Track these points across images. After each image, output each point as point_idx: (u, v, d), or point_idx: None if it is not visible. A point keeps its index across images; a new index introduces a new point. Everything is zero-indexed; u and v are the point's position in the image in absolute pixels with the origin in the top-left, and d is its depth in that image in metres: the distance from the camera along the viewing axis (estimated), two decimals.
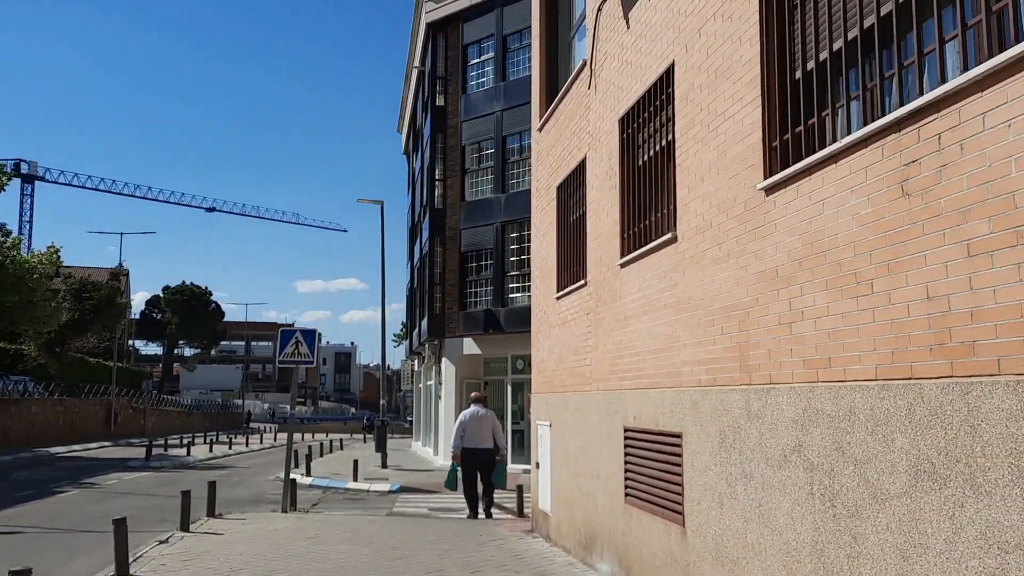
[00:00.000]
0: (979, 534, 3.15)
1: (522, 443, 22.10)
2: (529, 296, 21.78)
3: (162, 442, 31.68)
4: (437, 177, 25.60)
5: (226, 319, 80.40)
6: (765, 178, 4.88)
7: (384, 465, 22.29)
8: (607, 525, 7.67)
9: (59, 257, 28.87)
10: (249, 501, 15.44)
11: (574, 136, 9.37)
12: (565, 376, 9.47)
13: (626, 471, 7.24)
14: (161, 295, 74.74)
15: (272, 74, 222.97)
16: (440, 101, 25.95)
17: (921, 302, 3.52)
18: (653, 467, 6.60)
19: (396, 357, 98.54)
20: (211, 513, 11.63)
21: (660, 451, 6.47)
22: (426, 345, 27.07)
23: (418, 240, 30.62)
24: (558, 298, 9.88)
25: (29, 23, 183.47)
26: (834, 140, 4.28)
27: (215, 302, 77.27)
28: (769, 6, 4.93)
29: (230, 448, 32.11)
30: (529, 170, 22.56)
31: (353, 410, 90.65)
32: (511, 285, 22.65)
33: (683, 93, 6.15)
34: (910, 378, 3.57)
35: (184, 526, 10.23)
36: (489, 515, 12.48)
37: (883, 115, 3.88)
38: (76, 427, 35.42)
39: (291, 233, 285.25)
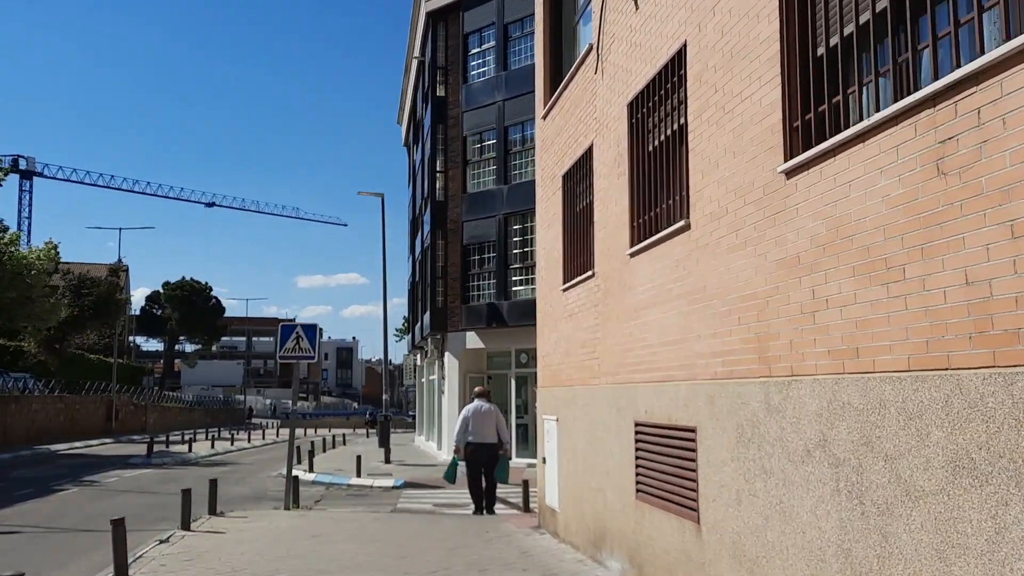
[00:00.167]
0: None
1: (526, 437, 21.93)
2: (533, 289, 21.59)
3: (163, 439, 31.49)
4: (438, 169, 25.35)
5: (227, 315, 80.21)
6: (786, 160, 4.66)
7: (387, 460, 22.12)
8: (617, 522, 7.48)
9: (57, 253, 28.68)
10: (251, 498, 15.27)
11: (580, 123, 9.15)
12: (572, 370, 9.27)
13: (637, 467, 7.04)
14: (161, 291, 74.55)
15: (271, 68, 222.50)
16: (441, 91, 25.68)
17: (959, 288, 3.31)
18: (666, 463, 6.40)
19: (398, 352, 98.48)
20: (213, 511, 11.46)
21: (673, 446, 6.27)
22: (428, 339, 26.88)
23: (419, 233, 30.39)
24: (564, 290, 9.67)
25: (28, 19, 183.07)
26: (861, 118, 4.06)
27: (215, 297, 77.09)
28: None
29: (232, 444, 31.95)
30: (532, 161, 22.34)
31: (355, 405, 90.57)
32: (514, 278, 22.43)
33: (696, 74, 5.93)
34: (947, 369, 3.36)
35: (185, 525, 10.05)
36: (491, 511, 12.33)
37: (915, 90, 3.66)
38: (77, 424, 35.29)
39: (291, 228, 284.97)
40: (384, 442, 23.05)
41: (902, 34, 3.86)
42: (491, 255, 23.17)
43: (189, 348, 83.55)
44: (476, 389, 13.07)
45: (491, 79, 23.97)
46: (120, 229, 58.90)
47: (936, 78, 3.53)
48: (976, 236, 3.23)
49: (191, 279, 75.38)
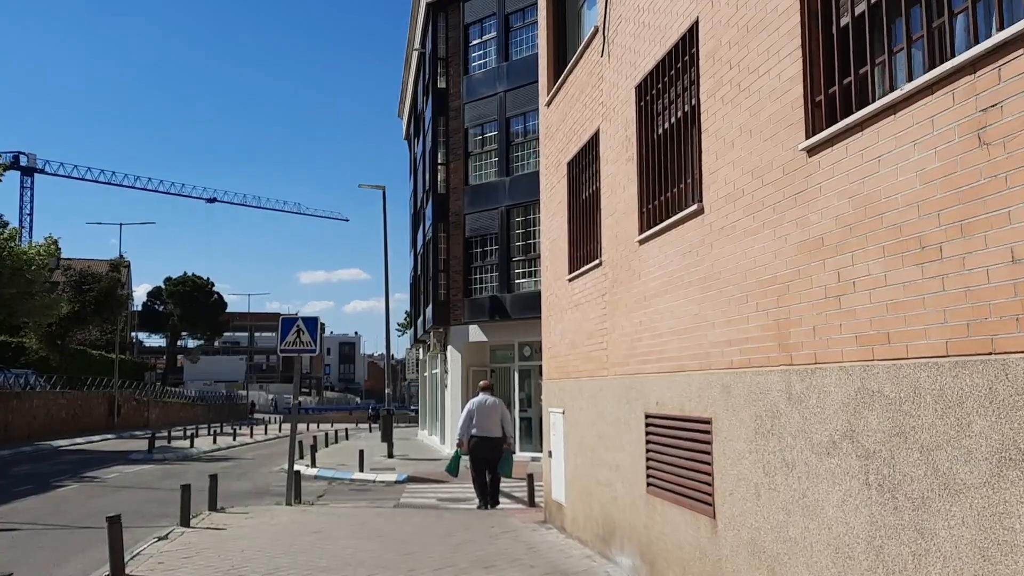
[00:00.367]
0: None
1: (530, 431, 21.74)
2: (536, 281, 21.38)
3: (165, 434, 31.33)
4: (439, 161, 25.09)
5: (229, 310, 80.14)
6: (807, 137, 4.43)
7: (390, 455, 21.94)
8: (627, 517, 7.27)
9: (58, 248, 28.47)
10: (253, 494, 15.09)
11: (586, 108, 8.91)
12: (579, 361, 9.05)
13: (648, 460, 6.82)
14: (163, 286, 74.47)
15: (271, 63, 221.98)
16: (441, 83, 25.40)
17: (1004, 266, 3.08)
18: (678, 455, 6.18)
19: (400, 346, 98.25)
20: (213, 507, 11.27)
21: (686, 438, 6.05)
22: (431, 333, 26.67)
23: (421, 227, 30.16)
24: (570, 279, 9.44)
25: (29, 16, 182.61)
26: (891, 89, 3.82)
27: (217, 293, 77.01)
28: None
29: (234, 439, 31.79)
30: (534, 152, 22.09)
31: (358, 400, 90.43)
32: (517, 270, 22.19)
33: (709, 51, 5.69)
34: (991, 353, 3.13)
35: (184, 521, 9.86)
36: (495, 505, 12.16)
37: (952, 57, 3.42)
38: (79, 420, 35.15)
39: (293, 223, 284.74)
40: (387, 436, 22.88)
41: None
42: (493, 247, 22.94)
43: (191, 344, 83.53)
44: (481, 383, 12.89)
45: (492, 70, 23.70)
46: (120, 225, 58.46)
47: (976, 42, 3.29)
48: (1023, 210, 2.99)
49: (193, 275, 75.31)
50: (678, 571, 6.04)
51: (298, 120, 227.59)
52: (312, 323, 13.08)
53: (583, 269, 8.89)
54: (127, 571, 7.31)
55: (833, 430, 4.14)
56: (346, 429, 36.71)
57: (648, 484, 6.79)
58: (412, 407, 57.94)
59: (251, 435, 35.41)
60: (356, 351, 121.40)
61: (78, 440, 30.08)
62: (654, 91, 6.90)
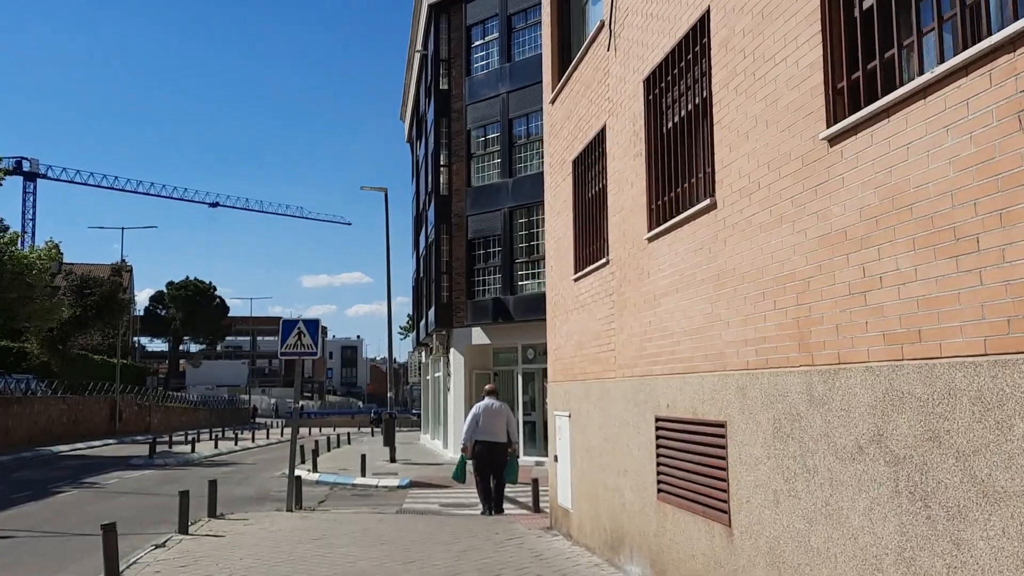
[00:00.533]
0: None
1: (534, 434, 21.51)
2: (540, 283, 21.16)
3: (167, 439, 31.15)
4: (442, 163, 24.90)
5: (231, 314, 79.99)
6: (828, 126, 4.22)
7: (393, 459, 21.72)
8: (637, 524, 7.04)
9: (59, 252, 28.32)
10: (254, 499, 14.88)
11: (592, 104, 8.70)
12: (586, 363, 8.83)
13: (658, 465, 6.60)
14: (165, 291, 74.37)
15: (273, 67, 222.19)
16: (444, 84, 25.22)
17: None
18: (691, 460, 5.96)
19: (403, 350, 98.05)
20: (212, 513, 11.06)
21: (699, 442, 5.83)
22: (433, 336, 26.45)
23: (423, 229, 29.97)
24: (576, 279, 9.23)
25: (30, 21, 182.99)
26: (921, 72, 3.61)
27: (219, 297, 76.91)
28: None
29: (236, 444, 31.59)
30: (537, 153, 21.90)
31: (360, 404, 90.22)
32: (520, 272, 21.98)
33: (721, 41, 5.48)
34: None
35: (183, 528, 9.65)
36: (499, 511, 11.95)
37: (989, 35, 3.21)
38: (80, 425, 34.97)
39: (295, 227, 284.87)
40: (389, 441, 22.65)
41: None
42: (496, 249, 22.72)
43: (194, 348, 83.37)
44: (487, 387, 12.69)
45: (495, 71, 23.52)
46: (123, 229, 58.62)
47: (1016, 17, 3.07)
48: None
49: (195, 279, 75.24)
50: None
51: (300, 124, 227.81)
52: (313, 325, 12.88)
53: (589, 268, 8.68)
54: None
55: (859, 434, 3.92)
56: (348, 433, 36.47)
57: (659, 490, 6.57)
58: (415, 411, 57.71)
59: (253, 439, 35.20)
60: (358, 355, 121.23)
61: (79, 445, 29.90)
62: (663, 84, 6.69)
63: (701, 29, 5.86)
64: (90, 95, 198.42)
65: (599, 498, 8.21)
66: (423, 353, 33.48)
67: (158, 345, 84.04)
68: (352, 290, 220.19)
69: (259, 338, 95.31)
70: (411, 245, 36.75)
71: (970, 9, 3.39)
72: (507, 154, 22.72)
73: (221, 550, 8.61)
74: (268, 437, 37.53)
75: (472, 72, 24.34)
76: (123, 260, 49.59)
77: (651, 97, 6.95)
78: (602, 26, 8.31)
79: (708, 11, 5.70)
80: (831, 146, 4.19)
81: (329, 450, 26.78)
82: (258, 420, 62.67)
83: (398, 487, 16.52)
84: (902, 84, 3.71)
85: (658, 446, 6.64)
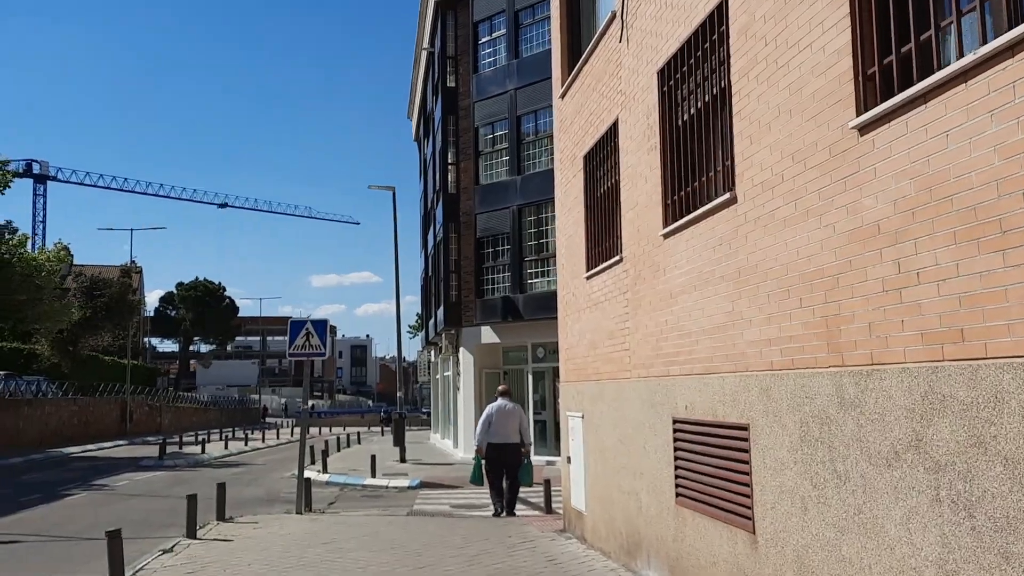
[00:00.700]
0: None
1: (544, 434, 21.31)
2: (550, 281, 20.96)
3: (177, 440, 31.10)
4: (450, 161, 24.72)
5: (241, 315, 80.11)
6: (859, 114, 4.00)
7: (403, 459, 21.56)
8: (654, 529, 6.84)
9: (67, 253, 28.30)
10: (263, 501, 14.75)
11: (603, 98, 8.49)
12: (599, 363, 8.63)
13: (676, 468, 6.40)
14: (175, 292, 74.53)
15: (281, 68, 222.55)
16: (451, 82, 25.03)
17: None
18: (711, 464, 5.76)
19: (412, 349, 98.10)
20: (221, 516, 10.92)
21: (720, 446, 5.62)
22: (443, 335, 26.29)
23: (431, 228, 29.81)
24: (588, 277, 9.03)
25: (39, 25, 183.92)
26: (961, 55, 3.40)
27: (229, 297, 77.02)
28: None
29: (246, 444, 31.51)
30: (546, 150, 21.68)
31: (370, 403, 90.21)
32: (530, 270, 21.77)
33: (741, 28, 5.26)
34: None
35: (191, 532, 9.51)
36: (511, 513, 11.79)
37: None
38: (91, 426, 34.99)
39: (304, 227, 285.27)
40: (399, 440, 22.49)
41: None
42: (505, 247, 22.53)
43: (204, 348, 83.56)
44: (499, 388, 12.54)
45: (502, 68, 23.30)
46: (132, 230, 58.53)
47: None
48: None
49: (205, 279, 75.34)
50: None
51: (308, 124, 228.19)
52: (321, 326, 12.73)
53: (602, 266, 8.47)
54: None
55: (895, 439, 3.71)
56: (358, 433, 36.35)
57: (677, 494, 6.37)
58: (424, 410, 57.64)
59: (263, 440, 35.13)
60: (368, 354, 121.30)
61: (89, 447, 29.89)
62: (678, 75, 6.48)
63: (719, 16, 5.65)
64: (98, 97, 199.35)
65: (614, 501, 8.02)
66: (432, 352, 33.34)
67: (168, 346, 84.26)
68: (361, 289, 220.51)
69: (269, 338, 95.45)
70: (419, 244, 36.63)
71: None
72: (515, 151, 22.51)
73: (229, 555, 8.46)
74: (278, 437, 37.46)
75: (479, 69, 24.13)
76: (132, 261, 49.68)
77: (666, 89, 6.74)
78: (613, 17, 8.10)
79: None
80: (861, 135, 3.98)
81: (339, 450, 26.66)
82: (268, 420, 62.69)
83: (408, 488, 16.36)
84: (940, 68, 3.49)
85: (676, 449, 6.44)
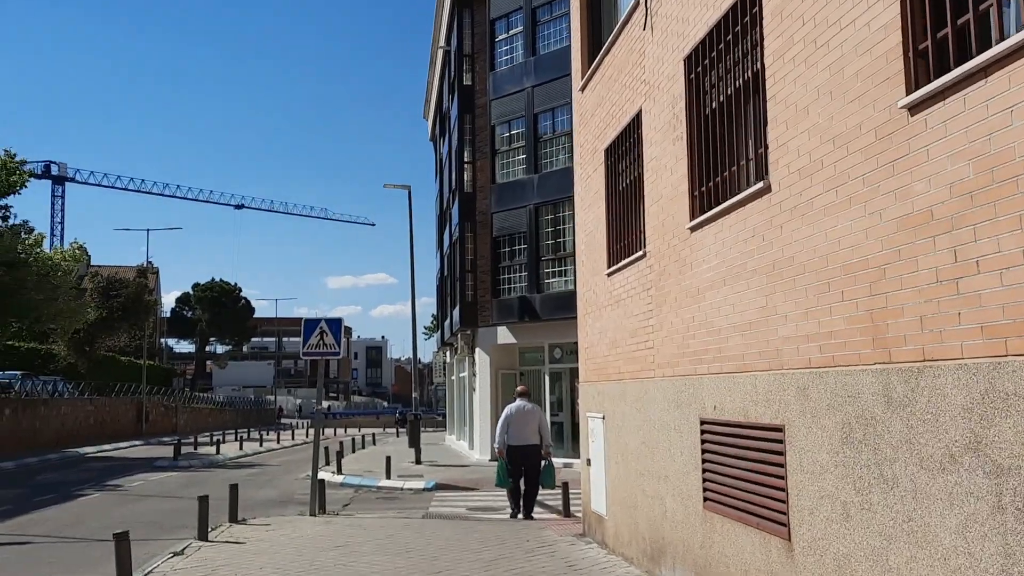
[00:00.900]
0: None
1: (561, 435, 21.04)
2: (566, 281, 20.69)
3: (192, 440, 31.07)
4: (466, 160, 24.51)
5: (256, 315, 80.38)
6: (908, 93, 3.73)
7: (418, 461, 21.37)
8: (680, 534, 6.57)
9: (83, 252, 28.35)
10: (277, 502, 14.58)
11: (625, 88, 8.24)
12: (621, 362, 8.37)
13: (704, 471, 6.13)
14: (191, 292, 74.86)
15: (296, 68, 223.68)
16: (467, 80, 24.82)
17: None
18: (742, 467, 5.49)
19: (427, 350, 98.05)
20: (233, 518, 10.75)
21: (752, 447, 5.35)
22: (458, 335, 26.08)
23: (447, 227, 29.62)
24: (609, 274, 8.78)
25: (59, 30, 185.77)
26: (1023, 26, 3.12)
27: (245, 298, 77.29)
28: None
29: (261, 445, 31.44)
30: (563, 148, 21.43)
31: (385, 404, 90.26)
32: (547, 270, 21.51)
33: (776, 8, 5.00)
34: None
35: (202, 535, 9.34)
36: (529, 516, 11.56)
37: None
38: (107, 427, 35.07)
39: (320, 228, 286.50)
40: (414, 442, 22.29)
41: None
42: (522, 247, 22.28)
43: (220, 349, 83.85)
44: (518, 389, 12.33)
45: (519, 65, 23.06)
46: (148, 230, 59.09)
47: None
48: None
49: (221, 280, 75.69)
50: None
51: (324, 125, 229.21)
52: (336, 324, 12.53)
53: (624, 262, 8.22)
54: None
55: (951, 441, 3.44)
56: (373, 434, 36.21)
57: (704, 498, 6.10)
58: (440, 411, 57.47)
59: (278, 440, 35.07)
60: (383, 355, 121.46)
61: (105, 447, 29.93)
62: (706, 61, 6.22)
63: None
64: (117, 100, 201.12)
65: (637, 505, 7.75)
66: (448, 353, 33.14)
67: (185, 347, 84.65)
68: (377, 291, 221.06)
69: (284, 339, 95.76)
70: (435, 245, 36.46)
71: None
72: (532, 149, 22.26)
73: (241, 558, 8.27)
74: (293, 438, 37.39)
75: (496, 67, 23.90)
76: (149, 262, 49.88)
77: (693, 76, 6.48)
78: (637, 5, 7.85)
79: None
80: (912, 115, 3.70)
81: (354, 451, 26.51)
82: (283, 421, 62.77)
83: (424, 490, 16.15)
84: (1002, 39, 3.22)
85: (703, 451, 6.17)
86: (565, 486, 12.08)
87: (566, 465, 17.95)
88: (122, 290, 38.88)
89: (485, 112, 24.07)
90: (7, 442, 25.66)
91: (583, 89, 10.13)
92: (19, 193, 24.84)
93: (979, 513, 3.27)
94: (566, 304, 20.20)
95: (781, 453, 4.93)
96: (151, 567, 7.79)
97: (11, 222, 25.32)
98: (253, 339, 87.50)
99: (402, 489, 16.39)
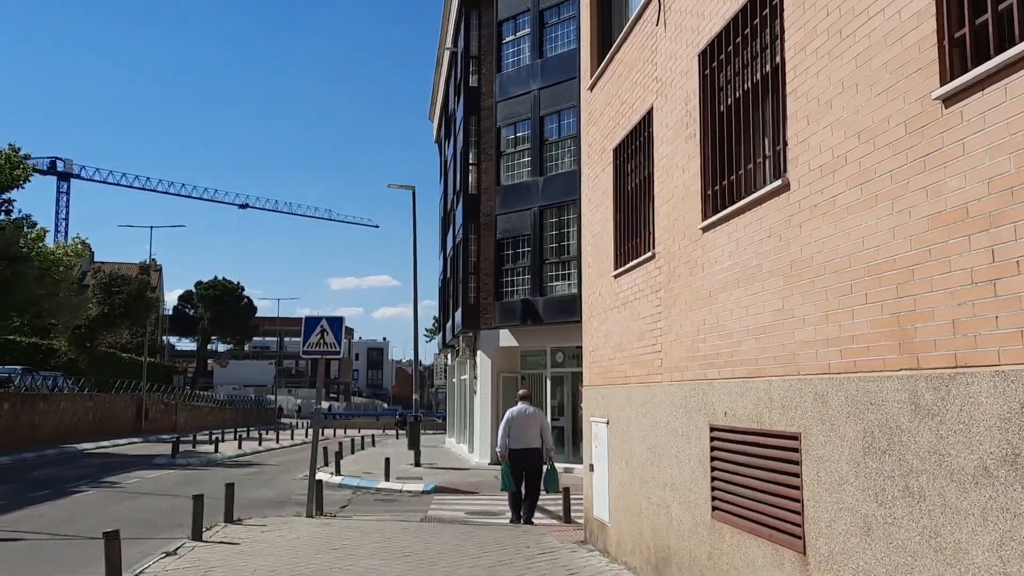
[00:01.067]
0: None
1: (562, 440, 20.81)
2: (570, 284, 20.49)
3: (191, 438, 30.89)
4: (471, 161, 24.33)
5: (259, 315, 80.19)
6: (943, 83, 3.53)
7: (417, 463, 21.16)
8: (687, 544, 6.36)
9: (85, 248, 28.21)
10: (274, 503, 14.38)
11: (636, 86, 8.05)
12: (627, 366, 8.16)
13: (713, 480, 5.92)
14: (194, 290, 74.72)
15: (302, 69, 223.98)
16: (474, 81, 24.65)
17: None
18: (754, 476, 5.28)
19: (428, 352, 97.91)
20: (229, 519, 10.55)
21: (765, 456, 5.14)
22: (460, 338, 25.89)
23: (451, 229, 29.44)
24: (616, 276, 8.58)
25: (66, 29, 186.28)
26: None
27: (247, 297, 77.12)
28: None
29: (260, 444, 31.24)
30: (569, 151, 21.24)
31: (385, 405, 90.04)
32: (550, 273, 21.31)
33: None
34: None
35: (196, 535, 9.14)
36: (529, 521, 11.36)
37: None
38: (106, 423, 34.89)
39: (323, 229, 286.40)
40: (414, 444, 22.09)
41: None
42: (525, 249, 22.08)
43: (222, 348, 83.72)
44: (519, 392, 12.15)
45: (526, 67, 22.90)
46: (151, 227, 58.70)
47: None
48: None
49: (223, 279, 75.48)
50: None
51: (329, 126, 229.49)
52: (337, 323, 12.33)
53: (632, 264, 8.02)
54: None
55: (985, 452, 3.23)
56: (373, 435, 35.98)
57: (713, 508, 5.89)
58: (440, 413, 57.26)
59: (277, 440, 34.88)
60: (384, 357, 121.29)
61: (104, 443, 29.75)
62: (722, 56, 6.02)
63: None
64: (123, 98, 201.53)
65: (641, 513, 7.54)
66: (449, 355, 32.95)
67: (186, 344, 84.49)
68: (379, 293, 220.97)
69: (286, 339, 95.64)
70: (438, 248, 36.29)
71: None
72: (538, 152, 22.08)
73: (235, 559, 8.07)
74: (293, 438, 37.19)
75: (503, 68, 23.73)
76: (152, 259, 49.73)
77: (707, 72, 6.28)
78: (649, 0, 7.66)
79: None
80: (947, 107, 3.51)
81: (353, 452, 26.30)
82: (284, 420, 62.57)
83: (423, 492, 15.94)
84: None
85: (713, 458, 5.96)
86: (566, 491, 11.87)
87: (567, 470, 17.72)
88: (124, 287, 38.76)
89: (491, 114, 23.89)
90: (5, 437, 25.48)
91: (592, 88, 9.94)
92: (22, 187, 24.71)
93: (1016, 530, 3.07)
94: (569, 307, 20.00)
95: (797, 462, 4.73)
96: (142, 567, 7.59)
97: (13, 216, 25.18)
98: (255, 338, 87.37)
99: (401, 491, 16.18)
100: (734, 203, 5.69)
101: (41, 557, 8.94)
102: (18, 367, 31.54)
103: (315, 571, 7.61)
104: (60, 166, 76.98)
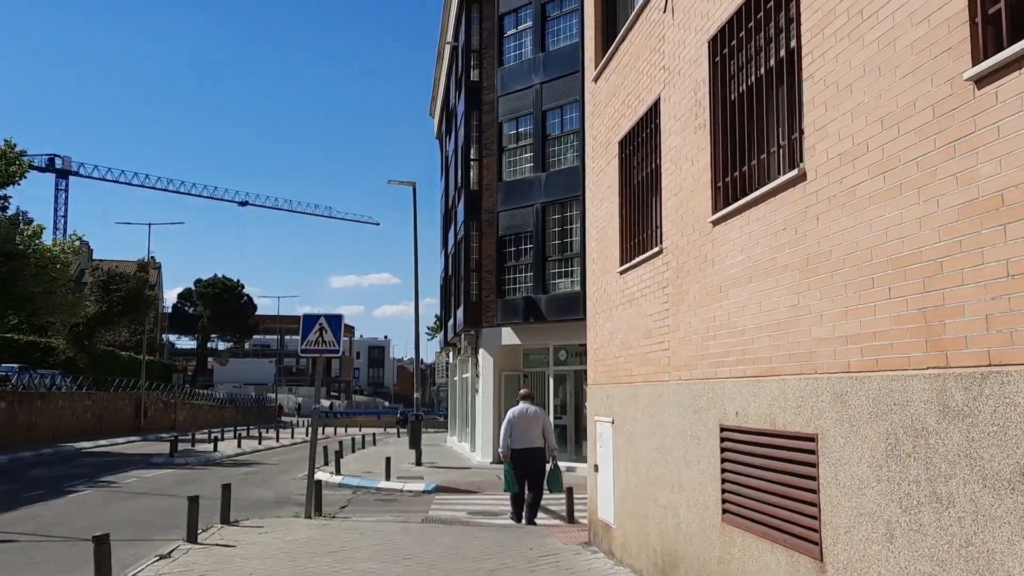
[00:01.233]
0: None
1: (565, 439, 20.61)
2: (572, 282, 20.28)
3: (189, 437, 30.69)
4: (472, 157, 24.11)
5: (259, 313, 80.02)
6: (975, 63, 3.32)
7: (418, 462, 20.96)
8: (695, 548, 6.16)
9: (81, 245, 28.03)
10: (273, 503, 14.19)
11: (643, 76, 7.84)
12: (633, 364, 7.95)
13: (724, 481, 5.72)
14: (193, 288, 74.54)
15: (302, 66, 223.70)
16: (475, 76, 24.42)
17: None
18: (767, 479, 5.07)
19: (430, 351, 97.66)
20: (225, 520, 10.36)
21: (779, 458, 4.94)
22: (462, 336, 25.68)
23: (452, 226, 29.21)
24: (622, 272, 8.37)
25: (65, 27, 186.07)
26: None
27: (247, 295, 76.94)
28: None
29: (259, 443, 31.04)
30: (571, 147, 21.02)
31: (386, 404, 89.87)
32: (553, 270, 21.09)
33: None
34: None
35: (191, 536, 8.95)
36: (532, 522, 11.18)
37: None
38: (105, 421, 34.71)
39: (324, 227, 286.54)
40: (415, 443, 21.89)
41: None
42: (528, 246, 21.86)
43: (222, 346, 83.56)
44: (521, 391, 11.96)
45: (528, 62, 22.67)
46: (150, 225, 58.11)
47: None
48: None
49: (223, 277, 75.29)
50: None
51: (329, 123, 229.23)
52: (336, 321, 12.13)
53: (639, 259, 7.81)
54: None
55: (1021, 456, 3.02)
56: (374, 434, 35.79)
57: (723, 510, 5.69)
58: (441, 412, 57.07)
59: (277, 439, 34.68)
60: (385, 355, 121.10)
61: (102, 442, 29.57)
62: (733, 42, 5.81)
63: None
64: (122, 95, 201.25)
65: (648, 515, 7.33)
66: (451, 353, 32.74)
67: (186, 343, 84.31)
68: (380, 291, 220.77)
69: (286, 337, 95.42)
70: (439, 245, 36.06)
71: None
72: (540, 147, 21.85)
73: (230, 563, 7.87)
74: (293, 436, 36.99)
75: (504, 63, 23.50)
76: (151, 257, 49.51)
77: (718, 59, 6.07)
78: None
79: None
80: (979, 88, 3.29)
81: (354, 451, 26.12)
82: (284, 419, 62.38)
83: (423, 492, 15.75)
84: None
85: (723, 460, 5.76)
86: (569, 491, 11.67)
87: (569, 469, 17.52)
88: (122, 284, 38.54)
89: (492, 109, 23.66)
90: (2, 436, 25.32)
91: (596, 79, 9.72)
92: (18, 184, 24.54)
93: None
94: (572, 305, 19.80)
95: (813, 464, 4.52)
96: (135, 570, 7.40)
97: (10, 212, 24.99)
98: (255, 336, 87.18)
99: (401, 491, 15.99)
100: (746, 195, 5.48)
101: (33, 560, 8.75)
102: (15, 365, 31.36)
103: (311, 575, 7.42)
104: (58, 163, 76.78)
